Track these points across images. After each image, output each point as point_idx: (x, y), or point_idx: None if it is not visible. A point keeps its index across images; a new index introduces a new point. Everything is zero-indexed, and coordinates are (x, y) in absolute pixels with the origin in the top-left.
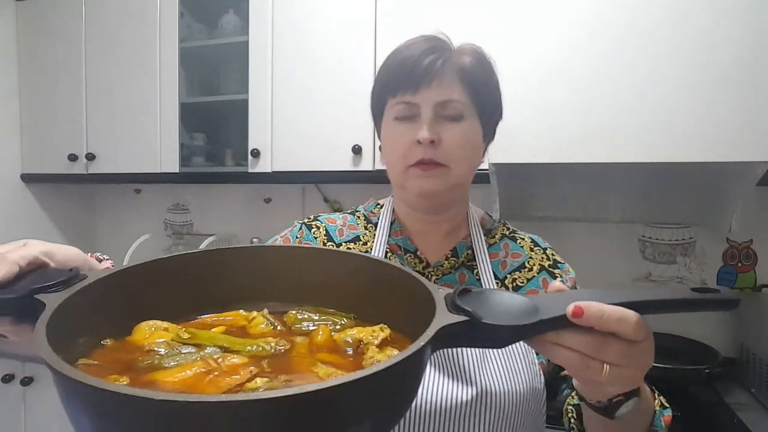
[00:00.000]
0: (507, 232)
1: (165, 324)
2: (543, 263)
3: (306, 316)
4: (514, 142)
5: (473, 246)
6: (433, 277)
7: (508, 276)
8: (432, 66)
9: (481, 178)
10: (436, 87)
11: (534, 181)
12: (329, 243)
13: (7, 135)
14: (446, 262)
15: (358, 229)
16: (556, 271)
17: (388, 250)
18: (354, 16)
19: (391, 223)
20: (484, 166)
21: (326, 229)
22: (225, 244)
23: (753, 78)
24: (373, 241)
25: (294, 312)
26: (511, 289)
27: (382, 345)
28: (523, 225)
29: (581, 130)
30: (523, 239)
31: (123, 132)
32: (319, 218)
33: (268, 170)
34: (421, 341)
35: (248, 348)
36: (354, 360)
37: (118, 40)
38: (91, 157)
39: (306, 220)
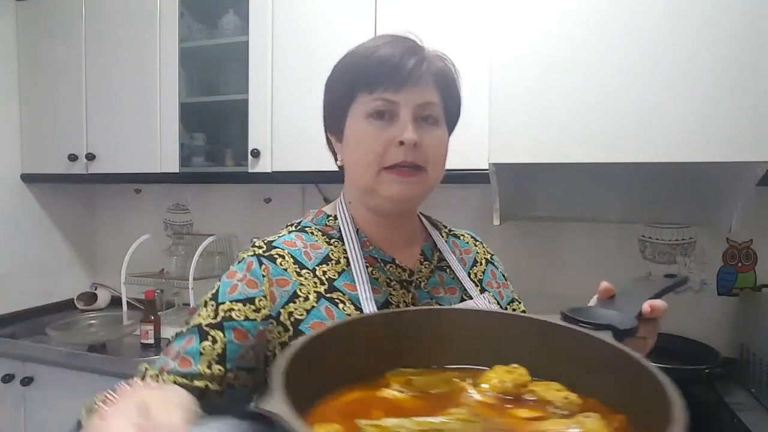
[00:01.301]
0: (448, 230)
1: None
2: (486, 256)
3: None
4: (514, 142)
5: (439, 247)
6: (422, 284)
7: (470, 272)
8: (417, 67)
9: (481, 178)
10: (418, 89)
11: (534, 181)
12: (303, 270)
13: (7, 135)
14: (423, 267)
15: (322, 248)
16: (495, 262)
17: (367, 264)
18: (354, 16)
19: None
20: (484, 165)
21: (291, 256)
22: (225, 244)
23: (753, 78)
24: (345, 258)
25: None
26: (476, 284)
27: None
28: (523, 225)
29: (581, 130)
30: (464, 235)
31: (123, 132)
32: (275, 245)
33: (268, 170)
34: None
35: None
36: None
37: (118, 40)
38: (91, 157)
39: (259, 251)
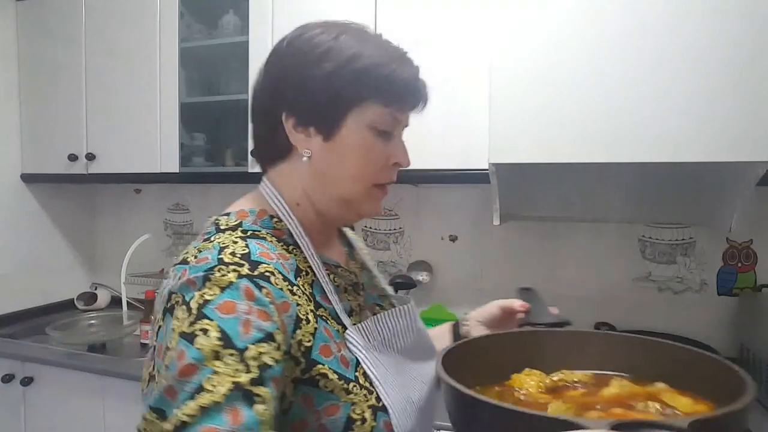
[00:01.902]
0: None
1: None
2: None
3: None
4: (514, 142)
5: (355, 246)
6: (367, 287)
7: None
8: (425, 94)
9: (481, 178)
10: (413, 113)
11: (534, 181)
12: (294, 287)
13: (7, 135)
14: (356, 268)
15: (289, 257)
16: None
17: (327, 272)
18: (354, 17)
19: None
20: (484, 166)
21: (278, 270)
22: None
23: (753, 78)
24: (308, 267)
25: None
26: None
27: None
28: (523, 225)
29: (581, 130)
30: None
31: (123, 132)
32: (255, 258)
33: None
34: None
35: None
36: None
37: (118, 40)
38: (91, 157)
39: (245, 270)
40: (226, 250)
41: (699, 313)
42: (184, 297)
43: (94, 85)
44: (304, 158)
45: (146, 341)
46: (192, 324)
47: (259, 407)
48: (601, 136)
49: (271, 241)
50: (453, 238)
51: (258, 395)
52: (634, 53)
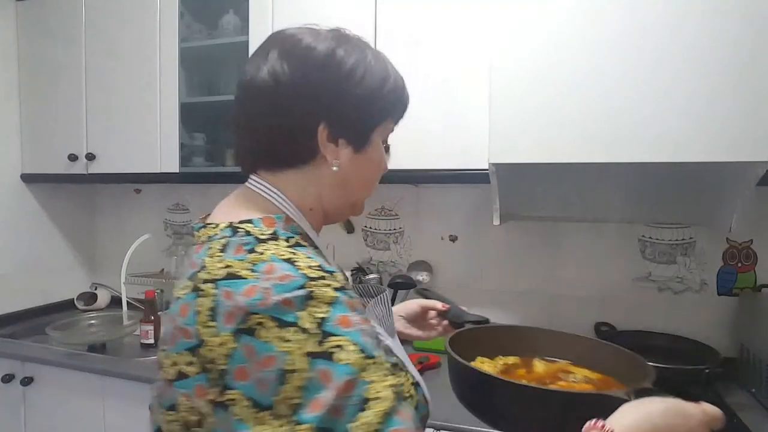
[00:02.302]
0: None
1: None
2: None
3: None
4: (514, 142)
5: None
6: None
7: None
8: None
9: (481, 178)
10: None
11: (534, 181)
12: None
13: (7, 135)
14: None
15: (326, 262)
16: None
17: None
18: (354, 17)
19: None
20: (484, 165)
21: (343, 276)
22: None
23: (753, 78)
24: (332, 266)
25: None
26: None
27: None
28: (523, 225)
29: (581, 130)
30: None
31: (123, 132)
32: (331, 271)
33: None
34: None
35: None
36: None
37: (118, 40)
38: (91, 157)
39: (336, 284)
40: (298, 263)
41: (699, 313)
42: (281, 318)
43: (94, 85)
44: (334, 168)
45: (146, 341)
46: (321, 343)
47: (409, 401)
48: (601, 136)
49: (308, 246)
50: (453, 238)
51: (404, 392)
52: (634, 53)
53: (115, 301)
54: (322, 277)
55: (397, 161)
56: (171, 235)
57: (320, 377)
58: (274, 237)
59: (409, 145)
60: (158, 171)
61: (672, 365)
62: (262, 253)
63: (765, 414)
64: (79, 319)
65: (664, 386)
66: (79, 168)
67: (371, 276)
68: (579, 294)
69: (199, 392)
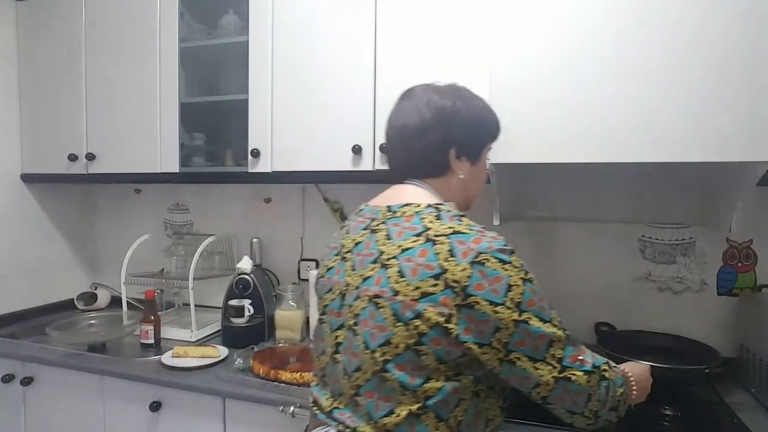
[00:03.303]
0: None
1: None
2: None
3: None
4: (514, 142)
5: None
6: None
7: None
8: None
9: None
10: None
11: (534, 181)
12: None
13: (7, 135)
14: None
15: None
16: None
17: None
18: (354, 16)
19: None
20: None
21: None
22: (225, 244)
23: (753, 78)
24: None
25: None
26: None
27: None
28: (523, 225)
29: (581, 130)
30: None
31: (123, 132)
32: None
33: (268, 170)
34: None
35: None
36: None
37: (118, 40)
38: (91, 157)
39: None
40: (491, 232)
41: (699, 313)
42: (500, 258)
43: (94, 85)
44: (461, 176)
45: (146, 341)
46: (527, 273)
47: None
48: (601, 136)
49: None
50: None
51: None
52: (633, 53)
53: (115, 301)
54: (508, 244)
55: None
56: (171, 235)
57: (531, 292)
58: (461, 214)
59: None
60: (158, 171)
61: (672, 365)
62: (470, 223)
63: (765, 414)
64: (79, 319)
65: (664, 385)
66: (79, 168)
67: None
68: (579, 294)
69: (444, 301)
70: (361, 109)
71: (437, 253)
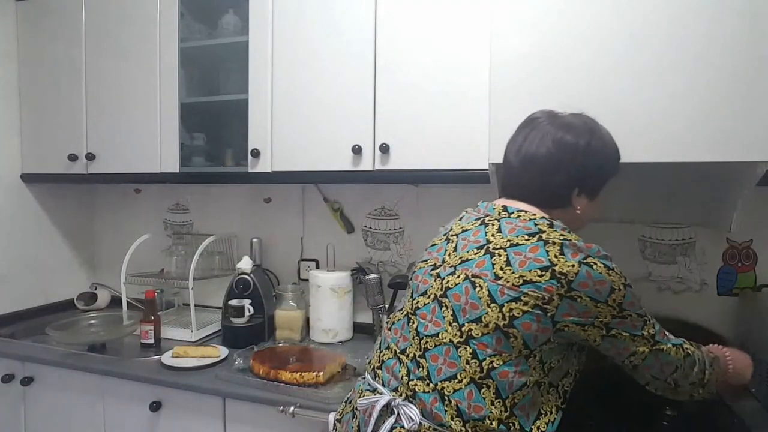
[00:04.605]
0: None
1: None
2: None
3: None
4: None
5: None
6: None
7: None
8: None
9: (481, 178)
10: None
11: None
12: None
13: (7, 135)
14: None
15: None
16: None
17: None
18: (354, 15)
19: None
20: (484, 165)
21: None
22: (225, 244)
23: (753, 78)
24: None
25: None
26: None
27: None
28: None
29: None
30: None
31: (123, 132)
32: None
33: (268, 170)
34: None
35: None
36: None
37: (118, 40)
38: (91, 157)
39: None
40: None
41: (699, 312)
42: (605, 264)
43: (94, 85)
44: (578, 210)
45: (146, 341)
46: (626, 279)
47: None
48: None
49: None
50: None
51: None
52: (634, 53)
53: (115, 301)
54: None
55: (397, 161)
56: (171, 235)
57: (631, 296)
58: (570, 231)
59: (409, 145)
60: (158, 171)
61: None
62: (573, 235)
63: (765, 414)
64: (79, 319)
65: None
66: (79, 168)
67: (371, 276)
68: None
69: (548, 288)
70: (361, 109)
71: (548, 251)
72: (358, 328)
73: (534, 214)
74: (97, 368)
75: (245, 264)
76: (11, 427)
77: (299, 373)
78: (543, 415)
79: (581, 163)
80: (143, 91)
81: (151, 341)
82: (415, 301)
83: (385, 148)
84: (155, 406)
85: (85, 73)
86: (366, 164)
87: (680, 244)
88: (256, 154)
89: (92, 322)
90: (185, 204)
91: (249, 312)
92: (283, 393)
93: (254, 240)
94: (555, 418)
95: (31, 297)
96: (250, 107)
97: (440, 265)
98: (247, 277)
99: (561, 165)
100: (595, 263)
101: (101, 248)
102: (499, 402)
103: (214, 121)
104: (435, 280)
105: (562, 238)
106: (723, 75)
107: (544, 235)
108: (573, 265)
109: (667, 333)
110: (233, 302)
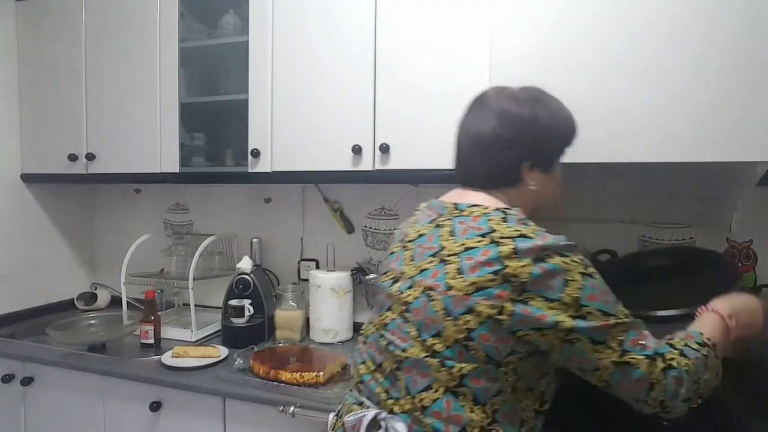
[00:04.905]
0: None
1: None
2: None
3: None
4: None
5: None
6: None
7: None
8: None
9: None
10: None
11: None
12: None
13: (7, 135)
14: None
15: None
16: None
17: None
18: (354, 15)
19: None
20: None
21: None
22: (225, 244)
23: (753, 78)
24: None
25: None
26: None
27: None
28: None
29: (581, 131)
30: None
31: (123, 132)
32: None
33: (268, 170)
34: None
35: None
36: None
37: (118, 40)
38: (91, 157)
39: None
40: (553, 233)
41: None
42: (562, 253)
43: (94, 85)
44: (532, 187)
45: (146, 341)
46: (587, 267)
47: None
48: (602, 136)
49: None
50: None
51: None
52: (634, 53)
53: (115, 301)
54: (571, 241)
55: (397, 161)
56: (171, 235)
57: (590, 286)
58: (528, 219)
59: (409, 145)
60: (158, 171)
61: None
62: (531, 225)
63: (765, 414)
64: (79, 319)
65: None
66: (79, 168)
67: (371, 276)
68: None
69: (499, 294)
70: (361, 109)
71: (500, 252)
72: (358, 328)
73: (487, 208)
74: (97, 368)
75: (245, 264)
76: (11, 427)
77: (299, 373)
78: (526, 422)
79: (527, 134)
80: (143, 91)
81: (151, 341)
82: (382, 317)
83: (385, 148)
84: (155, 406)
85: (85, 73)
86: (366, 164)
87: (680, 244)
88: (256, 154)
89: (92, 322)
90: (185, 204)
91: (249, 312)
92: (283, 393)
93: (254, 240)
94: (535, 424)
95: (31, 297)
96: (250, 107)
97: (400, 278)
98: (247, 277)
99: (505, 139)
100: (549, 255)
101: (101, 248)
102: (479, 408)
103: (214, 121)
104: (396, 295)
105: (516, 233)
106: (723, 75)
107: (495, 234)
108: (525, 265)
109: (650, 336)
110: (233, 302)
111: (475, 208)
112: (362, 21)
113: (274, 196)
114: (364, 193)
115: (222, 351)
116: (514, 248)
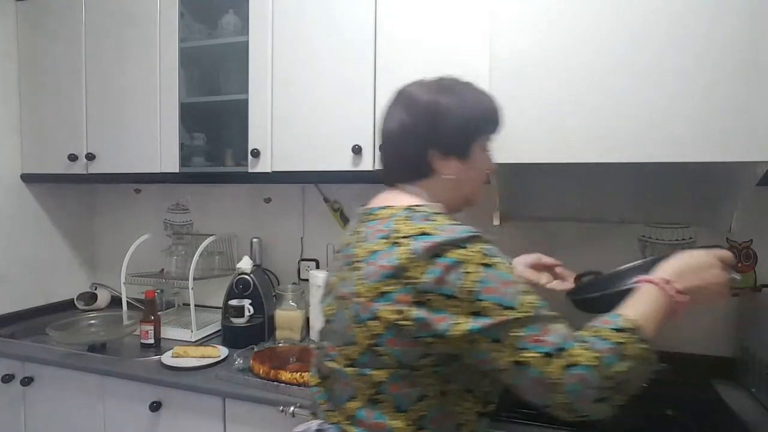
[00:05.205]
0: None
1: None
2: None
3: None
4: (514, 142)
5: None
6: None
7: None
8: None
9: None
10: None
11: (534, 181)
12: None
13: (7, 135)
14: None
15: None
16: None
17: None
18: (354, 15)
19: None
20: None
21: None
22: (225, 244)
23: (753, 78)
24: None
25: None
26: None
27: None
28: (523, 225)
29: (581, 130)
30: None
31: (123, 132)
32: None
33: (268, 170)
34: None
35: None
36: None
37: (118, 40)
38: (91, 157)
39: (482, 238)
40: (459, 225)
41: (699, 312)
42: (459, 245)
43: (94, 85)
44: (449, 176)
45: (146, 341)
46: (487, 258)
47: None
48: (601, 136)
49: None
50: None
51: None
52: (634, 53)
53: (115, 301)
54: (476, 233)
55: None
56: (171, 235)
57: (489, 278)
58: (438, 213)
59: None
60: (158, 171)
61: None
62: (435, 220)
63: (765, 414)
64: (79, 319)
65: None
66: (79, 168)
67: None
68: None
69: (399, 299)
70: (361, 109)
71: (399, 254)
72: None
73: (395, 207)
74: (97, 368)
75: (245, 264)
76: (11, 427)
77: (299, 373)
78: (464, 426)
79: (427, 120)
80: (143, 91)
81: (151, 341)
82: (324, 329)
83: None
84: (155, 406)
85: (85, 73)
86: (366, 164)
87: (680, 244)
88: (256, 154)
89: (92, 322)
90: (185, 204)
91: (249, 312)
92: (283, 393)
93: (254, 240)
94: (478, 427)
95: (31, 297)
96: (250, 107)
97: (331, 290)
98: (247, 277)
99: (411, 130)
100: (445, 249)
101: (101, 248)
102: (402, 415)
103: (214, 121)
104: (326, 307)
105: (417, 231)
106: (723, 75)
107: (397, 235)
108: (422, 265)
109: (558, 331)
110: (233, 302)
111: (384, 211)
112: (362, 21)
113: (274, 196)
114: (364, 193)
115: (222, 351)
116: (410, 248)
